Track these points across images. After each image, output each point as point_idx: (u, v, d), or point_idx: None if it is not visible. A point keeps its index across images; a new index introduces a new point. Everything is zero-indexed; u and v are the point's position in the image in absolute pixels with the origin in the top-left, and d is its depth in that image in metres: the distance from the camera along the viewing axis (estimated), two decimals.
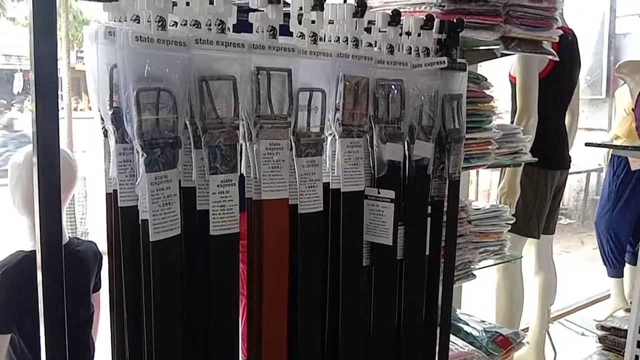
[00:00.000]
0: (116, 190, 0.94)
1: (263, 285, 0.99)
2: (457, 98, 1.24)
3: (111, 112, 0.91)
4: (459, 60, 1.23)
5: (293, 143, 1.01)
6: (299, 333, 1.05)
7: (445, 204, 1.29)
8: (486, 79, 1.92)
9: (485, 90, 1.89)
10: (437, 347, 1.31)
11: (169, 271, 0.89)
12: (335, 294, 1.10)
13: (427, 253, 1.25)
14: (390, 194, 1.12)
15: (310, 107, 1.01)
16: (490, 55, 2.06)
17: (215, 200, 0.92)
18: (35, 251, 1.67)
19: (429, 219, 1.24)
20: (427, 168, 1.20)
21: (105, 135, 0.97)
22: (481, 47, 2.09)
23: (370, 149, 1.12)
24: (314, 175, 1.03)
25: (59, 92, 0.95)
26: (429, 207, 1.25)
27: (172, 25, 1.02)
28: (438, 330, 1.32)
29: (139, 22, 0.91)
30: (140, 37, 0.82)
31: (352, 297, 1.11)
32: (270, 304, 1.00)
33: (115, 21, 0.97)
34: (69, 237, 1.79)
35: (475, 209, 2.07)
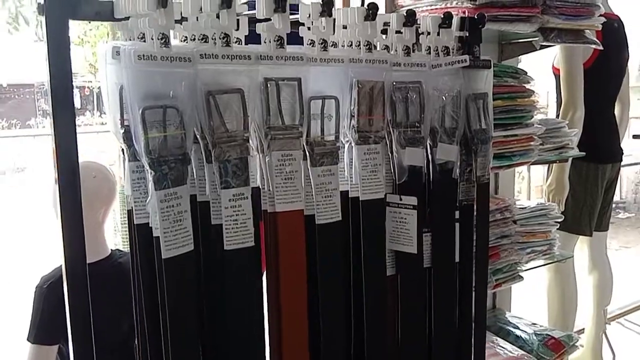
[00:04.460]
0: None
1: (281, 300, 0.97)
2: (482, 97, 1.19)
3: (122, 130, 0.92)
4: (482, 57, 1.18)
5: (307, 153, 0.99)
6: (322, 349, 1.03)
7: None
8: (525, 73, 1.85)
9: (525, 85, 1.82)
10: (472, 356, 1.26)
11: (183, 287, 0.89)
12: (359, 306, 1.07)
13: (457, 260, 1.21)
14: (413, 200, 1.08)
15: (323, 115, 0.99)
16: (530, 48, 1.98)
17: (227, 214, 0.91)
18: None
19: (457, 224, 1.20)
20: (453, 172, 1.16)
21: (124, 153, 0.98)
22: (520, 40, 2.02)
23: (390, 154, 1.09)
24: (330, 185, 1.00)
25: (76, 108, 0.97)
26: (457, 212, 1.20)
27: (184, 41, 1.03)
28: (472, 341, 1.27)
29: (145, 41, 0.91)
30: (143, 55, 0.82)
31: (377, 308, 1.08)
32: (290, 318, 0.99)
33: (127, 40, 0.98)
34: (111, 249, 1.84)
35: (521, 208, 2.00)
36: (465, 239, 1.21)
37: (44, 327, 1.68)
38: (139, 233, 0.94)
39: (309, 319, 1.02)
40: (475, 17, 1.17)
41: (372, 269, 1.07)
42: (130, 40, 0.97)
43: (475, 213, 1.22)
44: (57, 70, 0.90)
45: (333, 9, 0.96)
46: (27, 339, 1.71)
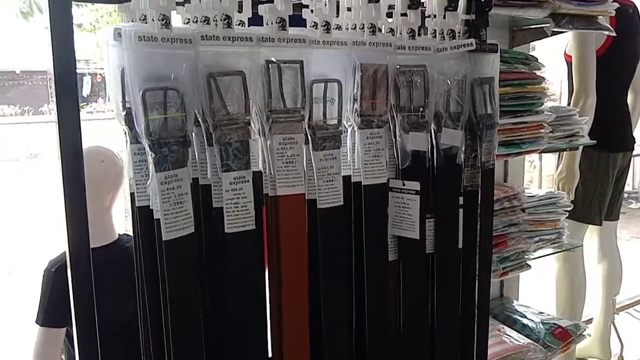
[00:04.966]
0: None
1: (282, 285, 0.97)
2: (488, 81, 1.17)
3: (124, 113, 0.92)
4: (489, 41, 1.16)
5: (309, 136, 0.98)
6: (324, 334, 1.03)
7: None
8: (536, 59, 1.82)
9: (535, 72, 1.80)
10: (475, 344, 1.26)
11: (183, 270, 0.89)
12: (360, 291, 1.07)
13: (461, 247, 1.20)
14: (416, 185, 1.07)
15: (325, 98, 0.98)
16: (541, 34, 1.95)
17: (228, 197, 0.91)
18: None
19: (461, 210, 1.18)
20: (457, 157, 1.15)
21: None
22: (531, 26, 1.99)
23: (393, 139, 1.08)
24: (332, 169, 1.00)
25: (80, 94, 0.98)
26: (461, 198, 1.19)
27: (187, 23, 1.02)
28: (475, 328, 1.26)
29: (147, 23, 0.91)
30: (144, 36, 0.82)
31: (379, 293, 1.08)
32: (291, 302, 0.99)
33: (129, 22, 0.98)
34: (119, 234, 1.85)
35: (529, 196, 1.98)
36: (469, 226, 1.20)
37: (52, 310, 1.70)
38: (141, 215, 0.95)
39: (310, 302, 1.02)
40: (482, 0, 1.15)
41: (374, 254, 1.06)
42: (132, 22, 0.97)
43: (479, 199, 1.21)
44: (60, 53, 0.90)
45: None
46: (36, 322, 1.73)
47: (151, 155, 0.85)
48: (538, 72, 1.80)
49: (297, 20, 1.00)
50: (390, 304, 1.11)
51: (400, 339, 1.14)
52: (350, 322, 1.08)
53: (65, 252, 1.73)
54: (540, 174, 4.90)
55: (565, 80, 2.56)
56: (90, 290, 0.97)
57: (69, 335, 1.75)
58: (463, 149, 1.17)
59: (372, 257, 1.06)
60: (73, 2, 0.90)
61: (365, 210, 1.05)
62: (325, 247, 1.01)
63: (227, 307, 0.93)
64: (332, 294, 1.03)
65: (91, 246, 1.74)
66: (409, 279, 1.12)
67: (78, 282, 0.96)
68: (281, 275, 0.97)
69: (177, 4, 0.94)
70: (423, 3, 1.07)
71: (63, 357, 1.80)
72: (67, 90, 0.90)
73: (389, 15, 1.08)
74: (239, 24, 1.04)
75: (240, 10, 0.98)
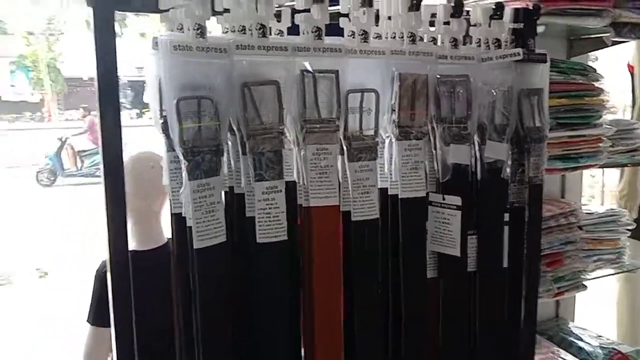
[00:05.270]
0: None
1: (314, 299, 0.95)
2: (536, 93, 1.12)
3: (161, 121, 0.93)
4: (538, 50, 1.11)
5: (344, 147, 0.96)
6: (357, 353, 0.99)
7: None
8: (595, 70, 1.74)
9: (594, 83, 1.72)
10: None
11: (213, 278, 0.89)
12: (396, 309, 1.03)
13: (506, 265, 1.14)
14: (457, 200, 1.03)
15: (362, 109, 0.96)
16: (601, 44, 1.86)
17: (260, 207, 0.90)
18: (135, 251, 1.78)
19: (506, 227, 1.13)
20: (502, 171, 1.10)
21: None
22: (590, 36, 1.90)
23: (433, 151, 1.05)
24: (367, 181, 0.97)
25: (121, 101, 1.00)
26: (507, 215, 1.14)
27: (225, 32, 1.03)
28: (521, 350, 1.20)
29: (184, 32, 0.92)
30: (179, 45, 0.83)
31: (416, 311, 1.04)
32: (324, 317, 0.96)
33: (169, 32, 1.00)
34: (168, 238, 1.88)
35: (588, 213, 1.89)
36: (515, 244, 1.15)
37: (101, 310, 1.75)
38: (175, 222, 0.95)
39: (344, 319, 0.99)
40: (531, 7, 1.10)
41: (411, 270, 1.03)
42: (171, 31, 0.98)
43: (526, 216, 1.15)
44: (103, 60, 0.93)
45: None
46: (87, 320, 1.79)
47: (184, 163, 0.86)
48: (597, 84, 1.72)
49: (337, 30, 0.99)
50: (428, 323, 1.07)
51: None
52: (385, 341, 1.05)
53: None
54: (603, 190, 4.68)
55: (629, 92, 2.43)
56: (127, 291, 0.99)
57: None
58: (509, 163, 1.12)
59: (409, 273, 1.03)
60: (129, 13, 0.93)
61: (402, 224, 1.02)
62: (359, 261, 0.98)
63: (256, 318, 0.92)
64: (366, 311, 1.00)
65: (141, 249, 1.79)
66: (449, 297, 1.08)
67: (116, 283, 0.99)
68: (313, 288, 0.95)
69: (216, 13, 0.95)
70: (468, 12, 1.04)
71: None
72: (109, 94, 0.94)
73: (432, 24, 1.05)
74: (278, 34, 1.04)
75: (279, 20, 0.98)
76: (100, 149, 0.99)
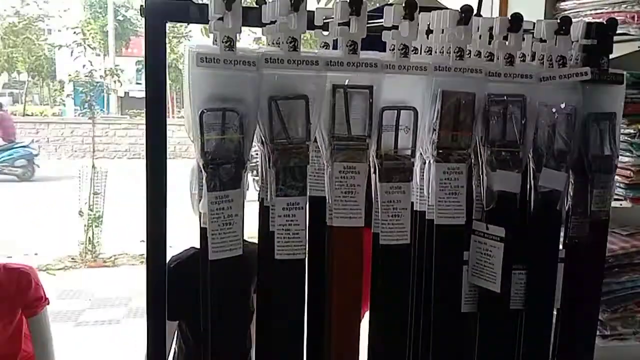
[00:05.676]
0: None
1: (332, 323, 0.91)
2: (607, 117, 0.99)
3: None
4: (611, 70, 0.98)
5: (376, 166, 0.91)
6: None
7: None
8: None
9: None
10: None
11: (227, 292, 0.88)
12: (426, 343, 0.96)
13: (559, 306, 1.02)
14: (500, 231, 0.94)
15: (398, 127, 0.91)
16: None
17: (280, 223, 0.88)
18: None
19: (561, 265, 1.01)
20: (558, 202, 0.98)
21: None
22: None
23: (480, 176, 0.96)
24: (399, 204, 0.92)
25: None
26: (563, 251, 1.02)
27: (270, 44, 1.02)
28: None
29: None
30: (206, 57, 0.83)
31: (447, 347, 0.97)
32: (339, 343, 0.92)
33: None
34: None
35: None
36: (572, 283, 1.02)
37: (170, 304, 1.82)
38: (201, 232, 0.96)
39: (371, 344, 0.95)
40: (605, 22, 0.98)
41: (442, 303, 0.96)
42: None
43: (587, 254, 1.03)
44: (153, 66, 0.96)
45: (415, 12, 0.87)
46: None
47: (204, 174, 0.86)
48: None
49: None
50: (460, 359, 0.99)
51: None
52: None
53: (187, 249, 1.85)
54: None
55: None
56: (163, 285, 1.01)
57: (181, 329, 1.86)
58: (571, 193, 1.01)
59: (441, 306, 0.95)
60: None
61: (435, 252, 0.95)
62: (385, 288, 0.93)
63: (267, 335, 0.90)
64: (391, 340, 0.95)
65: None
66: (487, 335, 0.99)
67: (154, 277, 1.01)
68: (331, 313, 0.91)
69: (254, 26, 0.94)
70: (528, 27, 0.94)
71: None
72: (156, 98, 0.96)
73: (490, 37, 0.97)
74: (323, 46, 1.02)
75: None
76: (145, 150, 1.01)
